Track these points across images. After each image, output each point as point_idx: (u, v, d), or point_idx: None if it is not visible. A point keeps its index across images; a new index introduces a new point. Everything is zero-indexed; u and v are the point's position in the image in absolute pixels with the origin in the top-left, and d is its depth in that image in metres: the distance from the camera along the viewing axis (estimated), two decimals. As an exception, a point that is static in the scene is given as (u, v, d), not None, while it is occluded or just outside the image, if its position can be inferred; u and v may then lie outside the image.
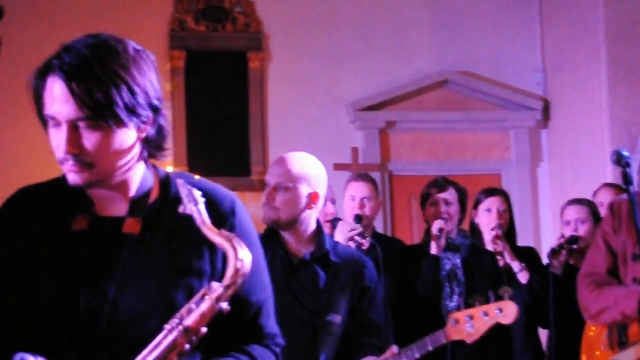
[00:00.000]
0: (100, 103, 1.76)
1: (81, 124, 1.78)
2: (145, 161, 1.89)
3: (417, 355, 3.35)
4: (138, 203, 1.87)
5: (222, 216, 1.88)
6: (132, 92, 1.78)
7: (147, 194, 1.89)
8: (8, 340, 1.83)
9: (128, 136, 1.81)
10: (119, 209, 1.88)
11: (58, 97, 1.75)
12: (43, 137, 1.84)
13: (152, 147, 1.86)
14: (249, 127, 7.30)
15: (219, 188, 1.95)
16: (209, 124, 7.13)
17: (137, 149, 1.84)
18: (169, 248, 1.85)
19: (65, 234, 1.85)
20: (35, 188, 1.92)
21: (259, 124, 7.30)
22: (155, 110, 1.83)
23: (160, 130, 1.86)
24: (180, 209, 1.80)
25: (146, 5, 7.04)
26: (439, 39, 7.69)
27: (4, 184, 5.97)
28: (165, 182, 1.92)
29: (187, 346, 1.74)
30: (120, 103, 1.77)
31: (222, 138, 7.20)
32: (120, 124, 1.78)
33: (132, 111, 1.79)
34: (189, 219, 1.79)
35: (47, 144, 1.82)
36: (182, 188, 1.81)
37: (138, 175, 1.89)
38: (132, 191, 1.88)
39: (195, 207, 1.79)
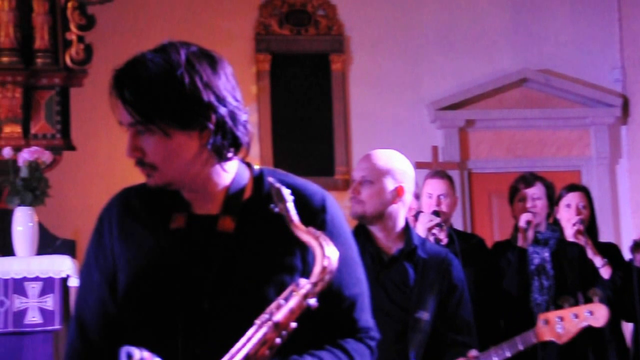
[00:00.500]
0: (147, 109, 1.79)
1: (139, 129, 1.82)
2: (221, 161, 1.88)
3: (508, 355, 3.37)
4: (232, 201, 1.89)
5: (312, 213, 1.89)
6: (184, 99, 1.79)
7: (241, 192, 1.91)
8: (113, 335, 1.92)
9: (187, 140, 1.82)
10: (215, 207, 1.90)
11: (118, 104, 1.82)
12: None
13: (220, 150, 1.85)
14: (333, 128, 7.38)
15: (310, 185, 1.96)
16: (294, 125, 7.24)
17: (201, 152, 1.84)
18: (261, 245, 1.87)
19: (164, 232, 1.90)
20: (136, 188, 1.98)
21: (342, 125, 7.37)
22: (218, 113, 1.82)
23: (226, 134, 1.84)
24: (271, 207, 1.82)
25: (232, 11, 7.18)
26: (519, 37, 7.66)
27: (95, 187, 6.24)
28: (259, 180, 1.93)
29: (278, 340, 1.76)
30: (167, 110, 1.78)
31: (306, 139, 7.29)
32: (172, 129, 1.80)
33: (183, 117, 1.80)
34: (280, 216, 1.81)
35: None
36: (272, 186, 1.82)
37: (229, 174, 1.90)
38: (224, 190, 1.90)
39: (284, 204, 1.80)
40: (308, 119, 7.33)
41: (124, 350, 1.71)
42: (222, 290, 1.84)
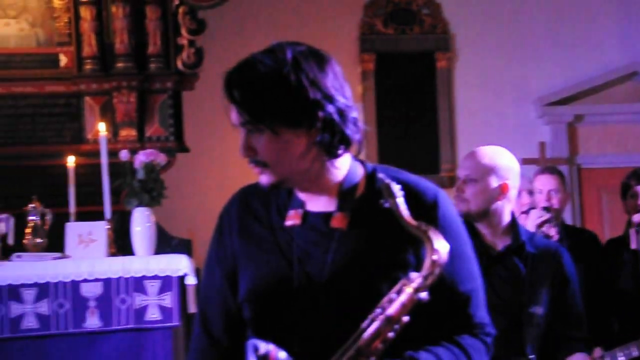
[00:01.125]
0: (254, 109, 1.82)
1: (250, 128, 1.85)
2: (331, 158, 1.89)
3: (634, 354, 3.29)
4: (345, 198, 1.92)
5: (425, 208, 1.90)
6: (290, 97, 1.81)
7: (354, 188, 1.93)
8: (235, 330, 1.98)
9: (295, 138, 1.84)
10: (328, 204, 1.92)
11: (230, 105, 1.86)
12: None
13: (329, 147, 1.86)
14: (438, 126, 7.33)
15: (422, 181, 1.97)
16: (399, 123, 7.21)
17: (310, 149, 1.85)
18: (375, 241, 1.89)
19: (280, 229, 1.93)
20: (254, 187, 2.00)
21: (447, 123, 7.31)
22: (325, 111, 1.83)
23: (334, 132, 1.85)
24: (381, 202, 1.83)
25: (337, 12, 7.20)
26: (627, 30, 7.46)
27: (208, 188, 6.34)
28: (372, 177, 1.94)
29: (391, 334, 1.78)
30: (274, 108, 1.81)
31: (411, 137, 7.26)
32: (279, 127, 1.82)
33: (289, 116, 1.82)
34: (392, 212, 1.82)
35: None
36: (382, 182, 1.83)
37: (341, 171, 1.92)
38: (337, 187, 1.92)
39: (394, 200, 1.81)
40: (413, 117, 7.30)
41: (251, 343, 1.75)
42: (336, 286, 1.86)
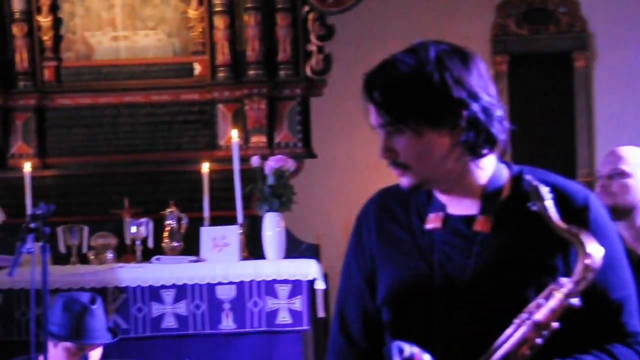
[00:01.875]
0: (396, 109, 1.83)
1: (390, 130, 1.86)
2: (475, 158, 1.89)
3: None
4: (489, 201, 1.91)
5: (575, 211, 1.88)
6: (433, 97, 1.81)
7: (498, 190, 1.92)
8: (373, 332, 2.02)
9: (438, 138, 1.85)
10: (470, 207, 1.92)
11: (369, 106, 1.88)
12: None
13: (473, 147, 1.87)
14: (575, 129, 7.30)
15: (572, 184, 1.95)
16: (534, 126, 7.22)
17: (453, 149, 1.86)
18: (520, 245, 1.89)
19: (419, 231, 1.95)
20: (392, 189, 2.03)
21: (585, 125, 7.28)
22: (470, 109, 1.83)
23: (479, 131, 1.85)
24: (529, 205, 1.82)
25: (468, 13, 7.27)
26: None
27: (335, 193, 6.53)
28: (518, 179, 1.93)
29: (539, 340, 1.78)
30: (416, 108, 1.82)
31: (547, 141, 7.27)
32: (422, 127, 1.83)
33: (433, 115, 1.83)
34: (539, 216, 1.81)
35: (377, 153, 2.01)
36: (530, 184, 1.82)
37: (485, 173, 1.91)
38: (481, 189, 1.92)
39: (542, 203, 1.80)
40: (548, 120, 7.30)
41: (395, 345, 1.78)
42: (479, 290, 1.88)
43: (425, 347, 1.83)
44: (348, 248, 2.08)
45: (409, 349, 1.78)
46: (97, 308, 3.90)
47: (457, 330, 1.88)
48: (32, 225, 4.31)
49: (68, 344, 3.83)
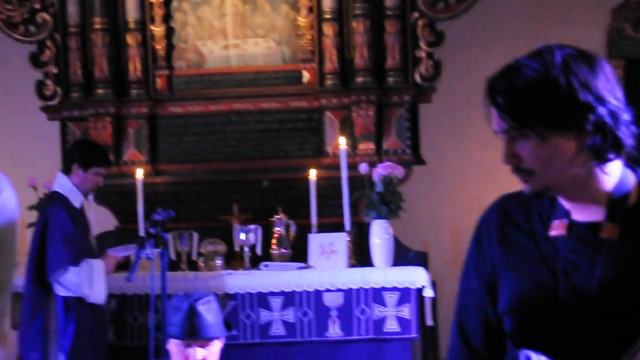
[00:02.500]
0: (521, 114, 1.80)
1: (514, 135, 1.83)
2: (600, 164, 1.85)
3: None
4: (616, 207, 1.87)
5: None
6: (560, 101, 1.79)
7: (625, 197, 1.88)
8: (494, 341, 1.99)
9: (563, 143, 1.82)
10: (595, 213, 1.89)
11: (492, 111, 1.85)
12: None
13: (599, 152, 1.83)
14: (693, 133, 7.06)
15: None
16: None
17: (579, 154, 1.82)
18: None
19: (543, 238, 1.92)
20: (514, 196, 2.01)
21: None
22: (596, 113, 1.79)
23: (606, 135, 1.81)
24: None
25: (582, 18, 7.13)
26: None
27: (444, 201, 6.47)
28: None
29: None
30: (542, 113, 1.79)
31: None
32: (547, 132, 1.80)
33: (559, 120, 1.80)
34: None
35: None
36: None
37: (612, 178, 1.87)
38: (606, 195, 1.88)
39: None
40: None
41: (523, 354, 1.79)
42: (607, 300, 1.84)
43: (551, 356, 1.81)
44: (467, 255, 2.05)
45: (536, 358, 1.77)
46: (205, 304, 3.96)
47: (584, 340, 1.84)
48: (152, 230, 4.41)
49: (178, 342, 3.91)
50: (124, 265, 5.44)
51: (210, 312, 3.93)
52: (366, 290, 5.28)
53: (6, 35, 6.42)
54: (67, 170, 5.10)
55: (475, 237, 2.04)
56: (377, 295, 5.28)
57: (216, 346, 3.92)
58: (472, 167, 6.51)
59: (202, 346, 3.85)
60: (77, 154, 5.14)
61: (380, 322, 5.26)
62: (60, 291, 4.90)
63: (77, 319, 4.93)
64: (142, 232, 5.72)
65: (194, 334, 3.84)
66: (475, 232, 2.04)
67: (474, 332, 2.01)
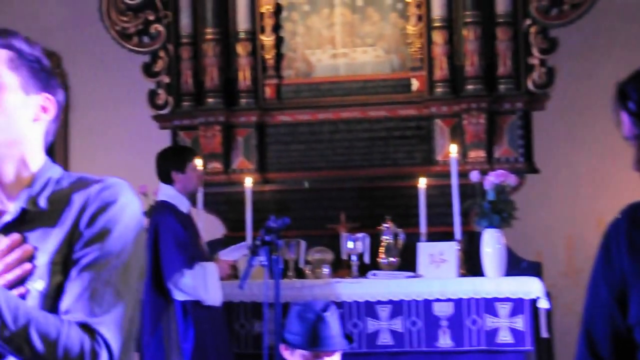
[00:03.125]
0: None
1: None
2: None
3: None
4: None
5: None
6: None
7: None
8: (624, 351, 1.96)
9: None
10: None
11: (623, 117, 1.82)
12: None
13: None
14: None
15: None
16: None
17: None
18: None
19: None
20: None
21: None
22: None
23: None
24: None
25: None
26: None
27: (558, 210, 6.33)
28: None
29: None
30: None
31: None
32: None
33: None
34: None
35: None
36: None
37: None
38: None
39: None
40: None
41: None
42: None
43: None
44: (595, 264, 2.01)
45: None
46: (331, 315, 3.93)
47: None
48: (267, 238, 4.40)
49: (305, 352, 3.88)
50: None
51: (334, 323, 3.90)
52: (477, 300, 5.19)
53: (120, 46, 6.56)
54: (166, 180, 5.13)
55: (604, 246, 1.99)
56: (488, 305, 5.18)
57: (338, 358, 3.88)
58: (586, 176, 6.36)
59: (321, 357, 3.81)
60: (169, 162, 5.17)
61: (492, 333, 5.16)
62: (179, 296, 4.93)
63: (196, 322, 4.95)
64: (249, 240, 5.77)
65: (317, 344, 3.81)
66: (603, 240, 1.99)
67: (602, 343, 1.97)
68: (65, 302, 1.68)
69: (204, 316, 4.99)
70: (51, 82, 1.83)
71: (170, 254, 4.93)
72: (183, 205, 5.11)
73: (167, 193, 5.09)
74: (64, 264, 1.70)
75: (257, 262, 4.47)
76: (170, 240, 4.95)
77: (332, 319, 3.89)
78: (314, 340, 3.81)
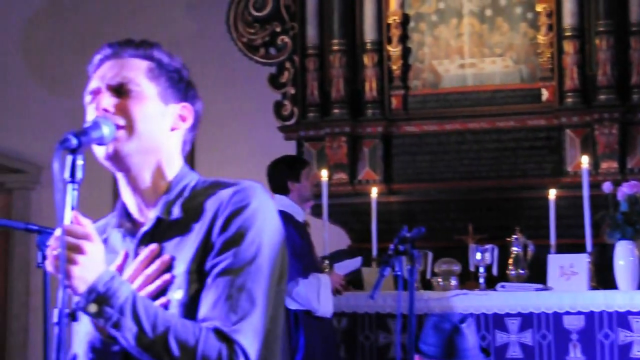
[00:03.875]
0: None
1: None
2: None
3: None
4: None
5: None
6: None
7: None
8: None
9: None
10: None
11: None
12: None
13: None
14: None
15: None
16: None
17: None
18: None
19: None
20: None
21: None
22: None
23: None
24: None
25: None
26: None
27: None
28: None
29: None
30: None
31: None
32: None
33: None
34: None
35: None
36: None
37: None
38: None
39: None
40: None
41: None
42: None
43: None
44: None
45: None
46: (468, 327, 3.92)
47: None
48: (401, 247, 4.42)
49: None
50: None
51: (471, 336, 3.89)
52: (610, 313, 5.11)
53: (247, 58, 6.71)
54: (282, 191, 5.18)
55: None
56: (622, 319, 5.09)
57: None
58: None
59: None
60: (283, 173, 5.23)
61: (626, 348, 5.06)
62: (291, 305, 4.97)
63: (307, 332, 5.00)
64: (375, 251, 5.82)
65: (453, 355, 3.81)
66: None
67: None
68: (202, 310, 1.71)
69: (314, 326, 5.03)
70: (190, 92, 1.91)
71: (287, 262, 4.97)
72: (299, 214, 5.18)
73: (283, 203, 5.14)
74: (199, 272, 1.74)
75: (389, 273, 4.47)
76: (287, 248, 4.99)
77: (469, 331, 3.88)
78: (450, 351, 3.80)
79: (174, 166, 1.86)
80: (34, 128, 7.45)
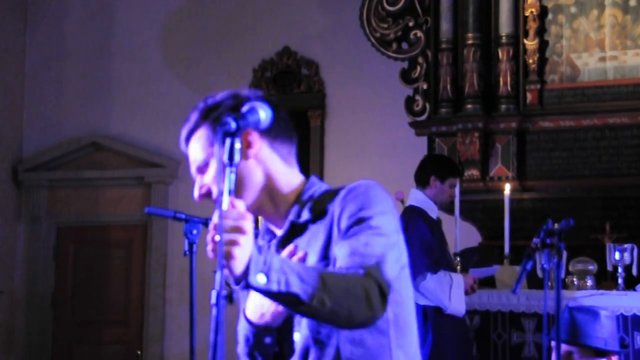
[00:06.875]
0: None
1: None
2: None
3: None
4: None
5: None
6: None
7: None
8: None
9: None
10: None
11: None
12: None
13: None
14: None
15: None
16: None
17: None
18: None
19: None
20: None
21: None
22: None
23: None
24: None
25: None
26: None
27: None
28: None
29: None
30: None
31: None
32: None
33: None
34: None
35: None
36: None
37: None
38: None
39: None
40: None
41: None
42: None
43: None
44: None
45: None
46: (608, 316, 3.61)
47: None
48: (547, 240, 4.11)
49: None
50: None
51: (610, 324, 3.56)
52: None
53: (379, 53, 6.52)
54: (423, 183, 5.03)
55: None
56: None
57: None
58: None
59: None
60: (435, 168, 5.07)
61: None
62: (420, 300, 4.81)
63: (436, 328, 4.84)
64: (507, 249, 5.54)
65: (585, 339, 3.50)
66: None
67: None
68: (337, 265, 1.86)
69: (444, 324, 4.86)
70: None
71: (415, 256, 4.78)
72: (432, 211, 5.03)
73: (417, 198, 5.01)
74: (328, 257, 1.89)
75: (531, 267, 4.17)
76: (416, 242, 4.86)
77: (608, 321, 3.57)
78: (582, 335, 3.50)
79: (283, 178, 1.96)
80: (172, 123, 7.41)
